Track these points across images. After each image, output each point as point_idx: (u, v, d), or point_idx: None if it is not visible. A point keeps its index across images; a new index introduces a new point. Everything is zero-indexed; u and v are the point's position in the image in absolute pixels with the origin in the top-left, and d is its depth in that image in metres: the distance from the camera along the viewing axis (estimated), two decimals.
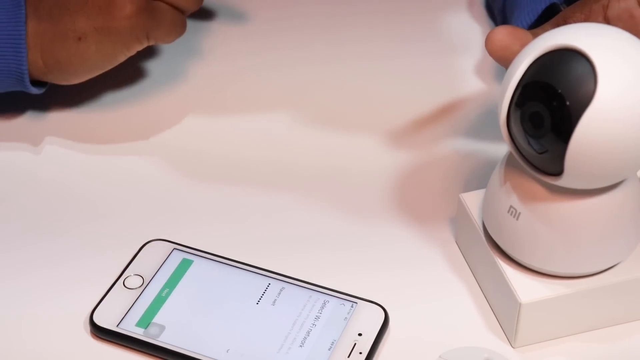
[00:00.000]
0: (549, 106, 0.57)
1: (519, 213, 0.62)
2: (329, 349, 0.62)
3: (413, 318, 0.66)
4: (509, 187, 0.62)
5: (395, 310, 0.65)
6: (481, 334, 0.65)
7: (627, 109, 0.56)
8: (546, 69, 0.57)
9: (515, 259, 0.64)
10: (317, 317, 0.64)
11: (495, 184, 0.64)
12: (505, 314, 0.64)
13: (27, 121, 0.82)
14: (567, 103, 0.56)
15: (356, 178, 0.77)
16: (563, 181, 0.58)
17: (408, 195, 0.75)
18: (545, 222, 0.61)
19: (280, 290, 0.66)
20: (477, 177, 0.75)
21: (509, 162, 0.63)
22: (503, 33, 0.65)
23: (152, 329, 0.63)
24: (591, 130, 0.56)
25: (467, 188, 0.73)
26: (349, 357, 0.62)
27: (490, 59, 0.72)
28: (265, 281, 0.66)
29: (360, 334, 0.63)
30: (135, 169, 0.78)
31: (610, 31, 0.59)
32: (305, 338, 0.63)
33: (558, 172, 0.58)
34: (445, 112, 0.83)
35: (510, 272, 0.63)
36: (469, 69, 0.87)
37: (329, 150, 0.80)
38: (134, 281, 0.66)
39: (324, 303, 0.65)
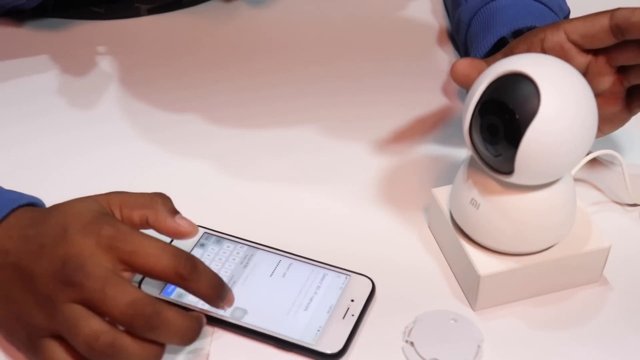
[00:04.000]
0: (502, 119, 0.60)
1: (479, 204, 0.65)
2: (328, 312, 0.65)
3: (394, 287, 0.68)
4: (471, 183, 0.65)
5: (380, 280, 0.68)
6: (449, 300, 0.68)
7: (564, 121, 0.60)
8: (500, 89, 0.61)
9: (476, 241, 0.67)
10: (318, 287, 0.67)
11: (459, 180, 0.67)
12: (468, 284, 0.67)
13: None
14: (517, 117, 0.59)
15: (350, 176, 0.79)
16: (513, 179, 0.62)
17: (390, 190, 0.77)
18: (499, 211, 0.64)
19: (289, 265, 0.68)
20: (446, 175, 0.78)
21: (470, 163, 0.66)
22: (464, 64, 0.70)
23: (185, 296, 0.65)
24: (536, 138, 0.59)
25: (438, 184, 0.74)
26: (343, 318, 0.65)
27: (453, 87, 0.75)
28: (276, 258, 0.69)
29: (352, 300, 0.66)
30: (178, 170, 0.79)
31: (550, 59, 0.62)
32: (308, 303, 0.66)
33: (509, 171, 0.62)
34: (419, 124, 0.84)
35: (471, 251, 0.66)
36: (438, 90, 0.89)
37: (330, 154, 0.82)
38: None
39: (324, 276, 0.68)
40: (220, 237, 0.71)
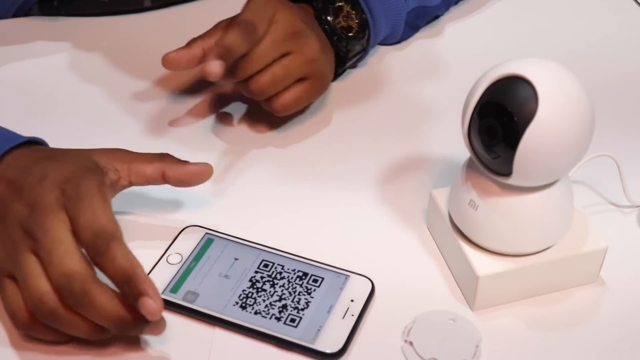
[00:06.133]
0: (501, 121, 0.60)
1: (478, 205, 0.65)
2: (328, 312, 0.65)
3: (394, 287, 0.68)
4: (470, 185, 0.66)
5: (380, 281, 0.68)
6: (447, 300, 0.68)
7: (562, 124, 0.60)
8: (498, 92, 0.61)
9: (474, 242, 0.67)
10: (318, 287, 0.67)
11: (458, 182, 0.67)
12: (466, 284, 0.67)
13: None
14: (515, 119, 0.59)
15: (349, 177, 0.79)
16: (512, 180, 0.62)
17: (390, 191, 0.77)
18: (498, 212, 0.65)
19: (289, 266, 0.68)
20: (445, 177, 0.78)
21: (469, 165, 0.66)
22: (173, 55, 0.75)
23: (187, 295, 0.65)
24: (534, 140, 0.59)
25: (437, 185, 0.74)
26: (343, 318, 0.65)
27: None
28: (276, 259, 0.69)
29: (352, 300, 0.66)
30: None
31: (548, 62, 0.62)
32: (309, 302, 0.66)
33: (508, 173, 0.62)
34: (419, 125, 0.85)
35: (470, 252, 0.66)
36: (437, 90, 0.89)
37: (329, 155, 0.81)
38: (174, 258, 0.69)
39: (324, 276, 0.67)
40: (222, 237, 0.71)
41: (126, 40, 0.95)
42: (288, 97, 0.78)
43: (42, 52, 0.93)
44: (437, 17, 0.98)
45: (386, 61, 0.93)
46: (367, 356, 0.64)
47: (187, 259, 0.69)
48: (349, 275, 0.68)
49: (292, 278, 0.68)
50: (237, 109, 0.86)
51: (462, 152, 0.66)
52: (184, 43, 0.78)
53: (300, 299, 0.66)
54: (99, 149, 0.67)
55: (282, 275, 0.68)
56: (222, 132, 0.84)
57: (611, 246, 0.68)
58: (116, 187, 0.67)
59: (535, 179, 0.63)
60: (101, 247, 0.58)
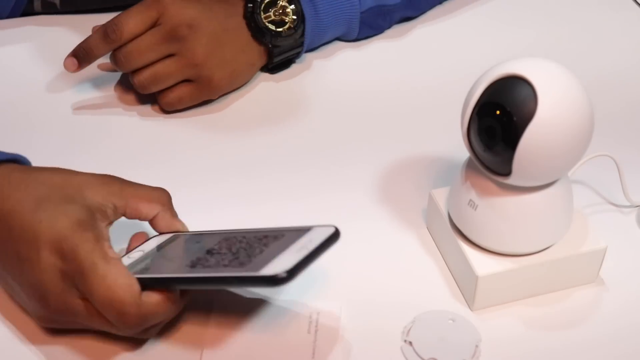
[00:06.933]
0: (500, 121, 0.60)
1: (477, 205, 0.65)
2: (280, 252, 0.58)
3: (393, 287, 0.69)
4: (469, 185, 0.66)
5: (379, 281, 0.69)
6: (447, 300, 0.68)
7: (561, 123, 0.60)
8: (498, 92, 0.61)
9: (474, 242, 0.67)
10: (276, 239, 0.61)
11: (458, 182, 0.67)
12: (466, 284, 0.67)
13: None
14: (514, 119, 0.60)
15: (349, 178, 0.79)
16: (511, 180, 0.62)
17: (389, 191, 0.77)
18: (497, 212, 0.65)
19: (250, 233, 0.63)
20: (444, 177, 0.78)
21: (468, 165, 0.67)
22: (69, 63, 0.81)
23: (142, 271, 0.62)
24: (533, 140, 0.59)
25: (436, 185, 0.75)
26: (297, 252, 0.58)
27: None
28: (242, 233, 0.64)
29: (310, 240, 0.59)
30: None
31: (548, 62, 0.62)
32: (262, 250, 0.60)
33: (507, 173, 0.62)
34: (418, 125, 0.85)
35: (469, 252, 0.67)
36: (436, 91, 0.89)
37: (329, 155, 0.82)
38: (137, 254, 0.65)
39: (285, 233, 0.62)
40: (191, 233, 0.67)
41: None
42: (171, 96, 0.84)
43: (42, 50, 0.93)
44: (408, 18, 0.98)
45: (385, 61, 0.93)
46: (367, 356, 0.64)
47: (148, 252, 0.66)
48: (310, 228, 0.61)
49: (250, 239, 0.63)
50: (239, 107, 0.87)
51: (461, 152, 0.66)
52: None
53: (255, 249, 0.61)
54: (92, 182, 0.63)
55: (240, 240, 0.64)
56: (222, 128, 0.84)
57: (610, 246, 0.68)
58: (111, 220, 0.65)
59: (535, 179, 0.63)
60: (116, 317, 0.60)
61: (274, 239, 0.61)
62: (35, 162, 0.68)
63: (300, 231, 0.61)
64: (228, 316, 0.66)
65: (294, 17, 0.86)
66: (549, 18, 1.01)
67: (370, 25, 0.94)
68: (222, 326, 0.65)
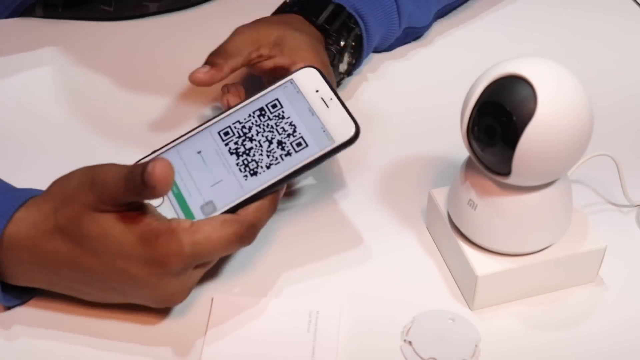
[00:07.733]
0: (499, 121, 0.60)
1: (476, 205, 0.65)
2: (312, 114, 0.63)
3: (393, 287, 0.69)
4: (469, 185, 0.66)
5: (379, 280, 0.69)
6: (446, 299, 0.68)
7: (561, 123, 0.60)
8: (497, 91, 0.61)
9: (473, 241, 0.67)
10: (282, 106, 0.64)
11: (457, 181, 0.67)
12: (465, 284, 0.67)
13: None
14: (514, 119, 0.59)
15: (348, 177, 0.79)
16: (510, 180, 0.62)
17: (389, 190, 0.77)
18: (496, 212, 0.65)
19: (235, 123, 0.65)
20: (444, 177, 0.78)
21: (468, 164, 0.67)
22: (200, 76, 0.75)
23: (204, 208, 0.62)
24: (532, 139, 0.59)
25: (436, 185, 0.75)
26: (328, 107, 0.62)
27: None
28: (227, 121, 0.65)
29: (317, 90, 0.64)
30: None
31: (547, 62, 0.62)
32: (290, 121, 0.63)
33: (507, 172, 0.62)
34: (418, 125, 0.85)
35: (469, 252, 0.67)
36: (436, 91, 0.89)
37: (334, 158, 0.78)
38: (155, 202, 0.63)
39: (276, 95, 0.65)
40: (169, 149, 0.66)
41: (131, 44, 0.94)
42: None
43: (43, 54, 0.93)
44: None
45: (385, 60, 0.93)
46: (367, 356, 0.64)
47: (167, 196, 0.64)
48: (291, 78, 0.66)
49: (256, 122, 0.64)
50: None
51: (461, 151, 0.66)
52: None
53: (283, 127, 0.64)
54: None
55: (247, 127, 0.64)
56: None
57: (610, 246, 0.68)
58: None
59: (534, 179, 0.63)
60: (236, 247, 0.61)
61: (278, 108, 0.64)
62: (35, 161, 0.68)
63: (288, 86, 0.65)
64: (228, 315, 0.66)
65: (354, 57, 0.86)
66: (548, 18, 1.01)
67: (399, 41, 0.94)
68: (222, 325, 0.65)
